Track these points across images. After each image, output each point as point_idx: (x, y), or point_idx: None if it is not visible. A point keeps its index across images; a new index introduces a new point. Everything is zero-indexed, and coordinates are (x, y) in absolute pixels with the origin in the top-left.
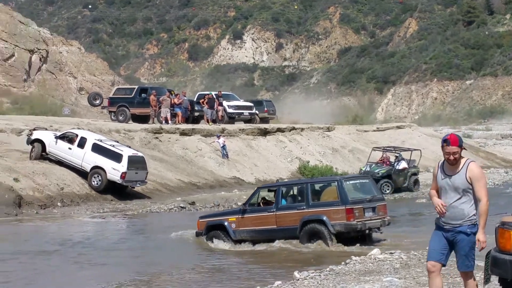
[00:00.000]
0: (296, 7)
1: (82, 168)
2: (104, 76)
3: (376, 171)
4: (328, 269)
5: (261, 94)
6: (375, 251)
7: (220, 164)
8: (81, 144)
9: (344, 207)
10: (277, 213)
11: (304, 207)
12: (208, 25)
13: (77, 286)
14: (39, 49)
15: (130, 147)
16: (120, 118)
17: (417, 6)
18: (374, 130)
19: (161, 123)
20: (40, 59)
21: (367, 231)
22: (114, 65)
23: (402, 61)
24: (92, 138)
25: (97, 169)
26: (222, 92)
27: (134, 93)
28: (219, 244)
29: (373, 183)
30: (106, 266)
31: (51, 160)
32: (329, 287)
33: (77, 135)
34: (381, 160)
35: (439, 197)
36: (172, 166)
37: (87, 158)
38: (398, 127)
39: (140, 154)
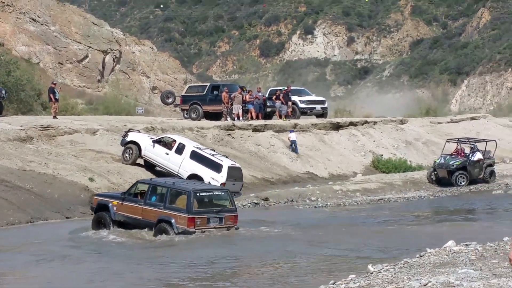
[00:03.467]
0: (367, 0)
1: (179, 174)
2: (176, 75)
3: (451, 162)
4: (402, 262)
5: (333, 89)
6: (450, 243)
7: (293, 160)
8: (179, 150)
9: (187, 216)
10: (144, 207)
11: (162, 207)
12: (279, 21)
13: None
14: (112, 50)
15: (227, 157)
16: (193, 115)
17: None
18: (448, 122)
19: (233, 119)
20: (113, 60)
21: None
22: (186, 64)
23: (476, 51)
24: (190, 145)
25: (194, 178)
26: (294, 87)
27: (206, 90)
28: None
29: (229, 195)
30: None
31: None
32: (404, 280)
33: (174, 141)
34: (455, 152)
35: None
36: (245, 162)
37: (184, 165)
38: (473, 118)
39: (238, 165)
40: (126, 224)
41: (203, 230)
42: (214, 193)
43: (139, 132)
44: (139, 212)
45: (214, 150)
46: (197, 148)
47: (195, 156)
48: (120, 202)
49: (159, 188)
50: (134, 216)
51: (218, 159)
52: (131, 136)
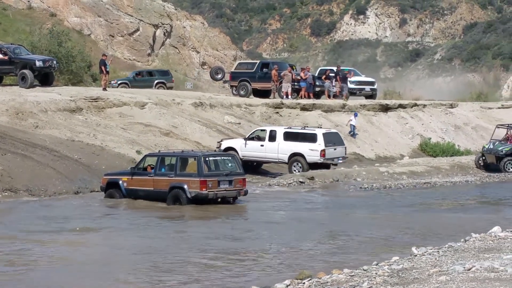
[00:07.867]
0: None
1: (280, 159)
2: (226, 51)
3: (500, 148)
4: (447, 245)
5: (384, 70)
6: (496, 229)
7: None
8: (272, 137)
9: (198, 179)
10: (154, 177)
11: (173, 175)
12: (331, 0)
13: None
14: (163, 24)
15: (321, 126)
16: (242, 92)
17: None
18: (499, 107)
19: (282, 98)
20: (164, 34)
21: (219, 199)
22: (236, 40)
23: None
24: (281, 129)
25: (295, 156)
26: (344, 68)
27: (255, 67)
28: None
29: (236, 159)
30: None
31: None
32: (448, 264)
33: (265, 131)
34: (505, 138)
35: None
36: None
37: (282, 149)
38: None
39: (334, 130)
40: (137, 198)
41: (216, 192)
42: (222, 157)
43: (228, 139)
44: (150, 183)
45: (306, 126)
46: (288, 128)
47: (288, 136)
48: (129, 177)
49: (167, 158)
50: (145, 188)
51: (310, 130)
52: (225, 144)
